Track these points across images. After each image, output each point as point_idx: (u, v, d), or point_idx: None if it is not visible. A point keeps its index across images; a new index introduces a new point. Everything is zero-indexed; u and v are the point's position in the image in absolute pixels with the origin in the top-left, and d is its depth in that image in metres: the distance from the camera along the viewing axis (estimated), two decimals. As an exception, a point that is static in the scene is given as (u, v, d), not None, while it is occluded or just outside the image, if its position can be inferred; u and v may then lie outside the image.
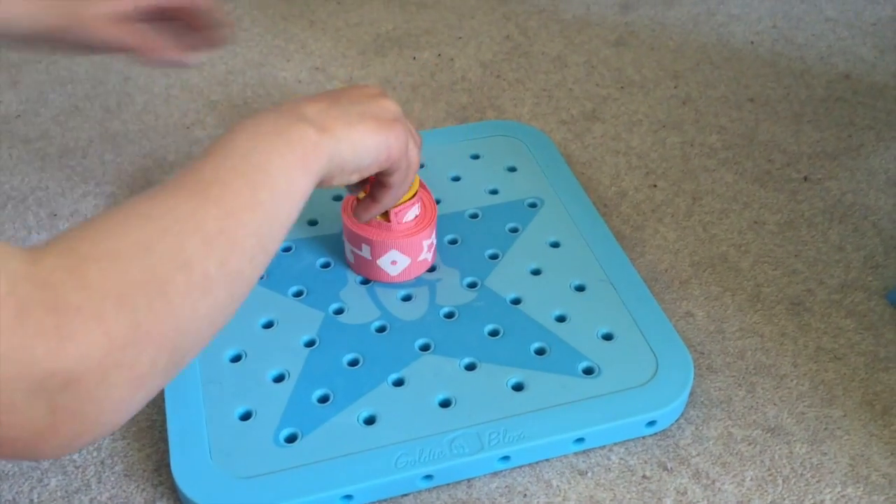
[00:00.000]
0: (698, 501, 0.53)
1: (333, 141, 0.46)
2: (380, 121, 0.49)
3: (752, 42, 0.98)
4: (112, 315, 0.32)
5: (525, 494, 0.54)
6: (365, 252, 0.63)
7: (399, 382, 0.57)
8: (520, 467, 0.55)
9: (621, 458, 0.56)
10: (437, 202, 0.72)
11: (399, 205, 0.61)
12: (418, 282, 0.65)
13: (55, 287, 0.31)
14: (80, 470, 0.55)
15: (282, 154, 0.42)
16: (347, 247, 0.65)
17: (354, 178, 0.49)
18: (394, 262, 0.63)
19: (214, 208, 0.38)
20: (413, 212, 0.63)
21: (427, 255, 0.65)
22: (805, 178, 0.78)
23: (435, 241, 0.66)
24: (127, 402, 0.33)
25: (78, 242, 0.34)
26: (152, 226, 0.36)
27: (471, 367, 0.58)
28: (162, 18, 0.63)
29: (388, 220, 0.62)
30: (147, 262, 0.34)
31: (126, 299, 0.33)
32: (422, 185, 0.64)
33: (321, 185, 0.47)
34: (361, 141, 0.48)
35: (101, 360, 0.31)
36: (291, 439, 0.54)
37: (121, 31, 0.60)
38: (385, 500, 0.53)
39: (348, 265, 0.66)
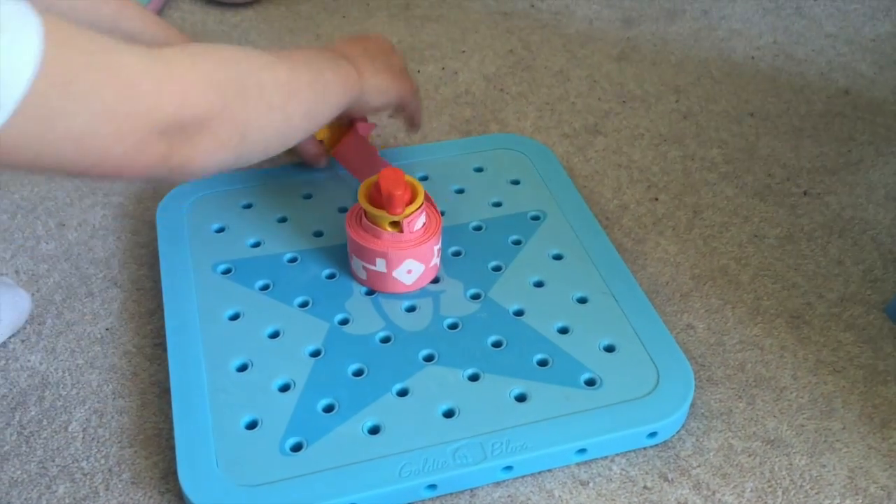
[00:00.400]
0: (699, 512, 0.54)
1: (364, 81, 0.63)
2: (394, 74, 0.67)
3: (752, 57, 0.99)
4: (212, 91, 0.46)
5: (527, 504, 0.54)
6: (380, 266, 0.63)
7: (403, 392, 0.58)
8: (522, 477, 0.56)
9: (623, 469, 0.57)
10: (441, 214, 0.73)
11: (409, 214, 0.62)
12: (422, 293, 0.66)
13: (175, 65, 0.45)
14: (88, 478, 0.56)
15: (334, 72, 0.59)
16: (358, 263, 0.65)
17: (367, 111, 0.68)
18: (409, 272, 0.64)
19: (285, 67, 0.53)
20: (421, 220, 0.63)
21: (436, 260, 0.66)
22: (805, 193, 0.79)
23: (440, 247, 0.66)
24: (212, 155, 0.48)
25: (190, 47, 0.48)
26: (240, 54, 0.50)
27: (474, 378, 0.59)
28: None
29: (401, 231, 0.62)
30: (235, 71, 0.49)
31: (221, 87, 0.47)
32: (426, 197, 0.65)
33: (346, 111, 0.63)
34: (383, 87, 0.66)
35: (202, 118, 0.46)
36: (297, 448, 0.55)
37: None
38: (389, 509, 0.54)
39: (358, 281, 0.66)
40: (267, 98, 0.50)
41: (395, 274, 0.64)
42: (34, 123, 0.38)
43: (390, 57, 0.68)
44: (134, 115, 0.42)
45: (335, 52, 0.62)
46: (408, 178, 0.63)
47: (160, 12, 1.04)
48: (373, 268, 0.64)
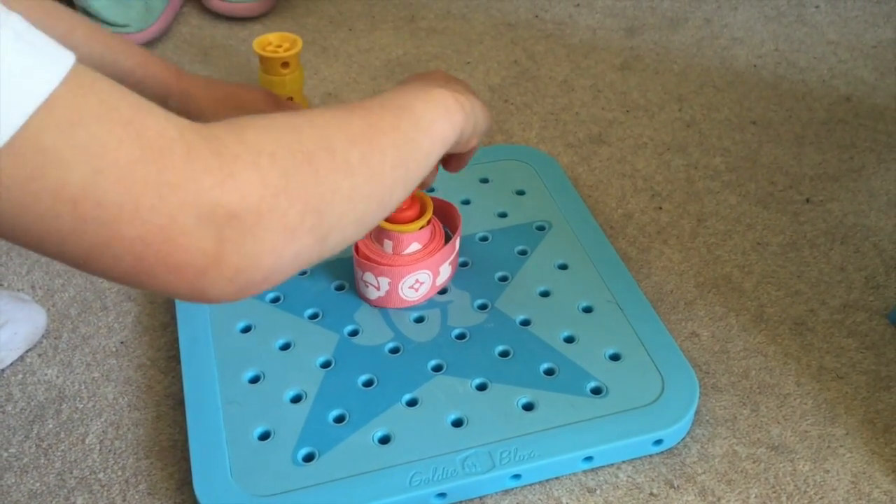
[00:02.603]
0: (704, 518, 0.55)
1: (467, 103, 0.52)
2: (480, 102, 0.56)
3: (754, 65, 1.00)
4: (266, 166, 0.36)
5: (535, 512, 0.55)
6: (375, 281, 0.65)
7: (412, 402, 0.59)
8: (530, 485, 0.57)
9: (629, 476, 0.57)
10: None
11: (410, 230, 0.63)
12: (430, 304, 0.67)
13: (218, 138, 0.36)
14: (106, 489, 0.57)
15: (425, 101, 0.48)
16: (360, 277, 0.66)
17: (473, 142, 0.56)
18: (418, 284, 0.65)
19: (358, 119, 0.43)
20: (413, 245, 0.65)
21: (427, 282, 0.67)
22: (807, 200, 0.80)
23: (442, 267, 0.68)
24: (280, 248, 0.37)
25: (237, 119, 0.38)
26: (302, 118, 0.41)
27: (482, 388, 0.60)
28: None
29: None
30: (296, 138, 0.39)
31: (278, 158, 0.37)
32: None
33: (456, 146, 0.52)
34: (481, 111, 0.55)
35: (258, 201, 0.35)
36: (309, 458, 0.56)
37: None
38: (400, 518, 0.55)
39: (368, 301, 0.67)
40: (341, 159, 0.40)
41: (399, 290, 0.65)
42: (21, 164, 0.31)
43: (464, 86, 0.58)
44: (158, 185, 0.33)
45: (420, 82, 0.53)
46: (418, 192, 0.65)
47: (169, 28, 1.05)
48: (374, 283, 0.65)
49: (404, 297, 0.65)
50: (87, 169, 0.32)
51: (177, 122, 0.35)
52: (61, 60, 0.32)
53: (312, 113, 0.42)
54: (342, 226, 0.40)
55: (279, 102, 0.76)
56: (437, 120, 0.48)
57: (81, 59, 0.48)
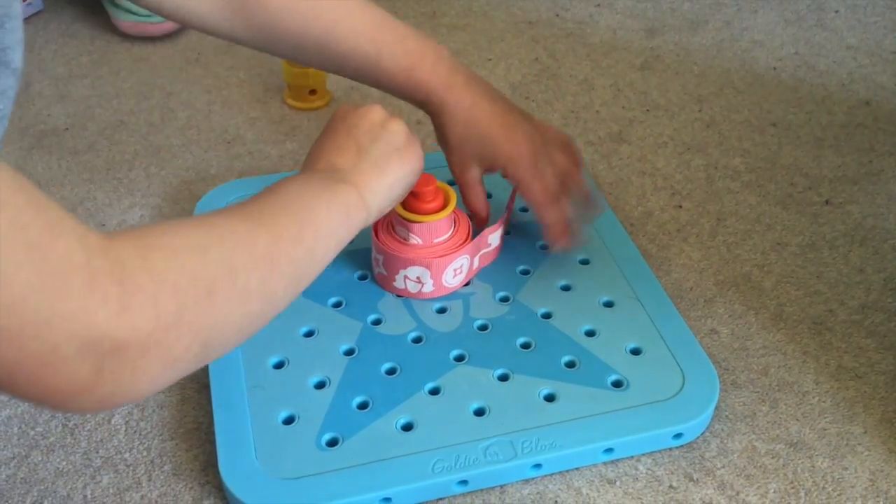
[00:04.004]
0: (723, 511, 0.56)
1: (371, 195, 0.53)
2: (401, 152, 0.56)
3: (774, 68, 1.01)
4: (165, 299, 0.36)
5: (556, 501, 0.56)
6: (381, 267, 0.66)
7: (435, 391, 0.60)
8: (551, 475, 0.57)
9: (649, 469, 0.58)
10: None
11: (426, 220, 0.64)
12: (453, 295, 0.67)
13: (124, 264, 0.36)
14: (132, 469, 0.58)
15: (328, 207, 0.50)
16: (378, 264, 0.67)
17: (391, 208, 0.58)
18: (417, 280, 0.66)
19: (266, 234, 0.44)
20: (445, 234, 0.66)
21: (451, 280, 0.68)
22: (826, 202, 0.81)
23: (463, 266, 0.68)
24: (159, 377, 0.38)
25: (148, 233, 0.39)
26: (213, 233, 0.42)
27: (504, 378, 0.61)
28: None
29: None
30: (202, 261, 0.40)
31: (179, 289, 0.37)
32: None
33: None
34: (395, 181, 0.56)
35: (147, 335, 0.36)
36: (333, 443, 0.56)
37: None
38: (422, 504, 0.56)
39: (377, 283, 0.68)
40: (241, 285, 0.41)
41: (395, 280, 0.66)
42: None
43: (388, 132, 0.56)
44: (49, 315, 0.32)
45: (326, 172, 0.53)
46: (440, 184, 0.65)
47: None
48: (378, 269, 0.66)
49: (447, 285, 0.66)
50: None
51: (87, 244, 0.34)
52: None
53: (225, 225, 0.43)
54: (225, 345, 0.42)
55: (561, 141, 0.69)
56: (338, 228, 0.50)
57: (343, 53, 0.56)
